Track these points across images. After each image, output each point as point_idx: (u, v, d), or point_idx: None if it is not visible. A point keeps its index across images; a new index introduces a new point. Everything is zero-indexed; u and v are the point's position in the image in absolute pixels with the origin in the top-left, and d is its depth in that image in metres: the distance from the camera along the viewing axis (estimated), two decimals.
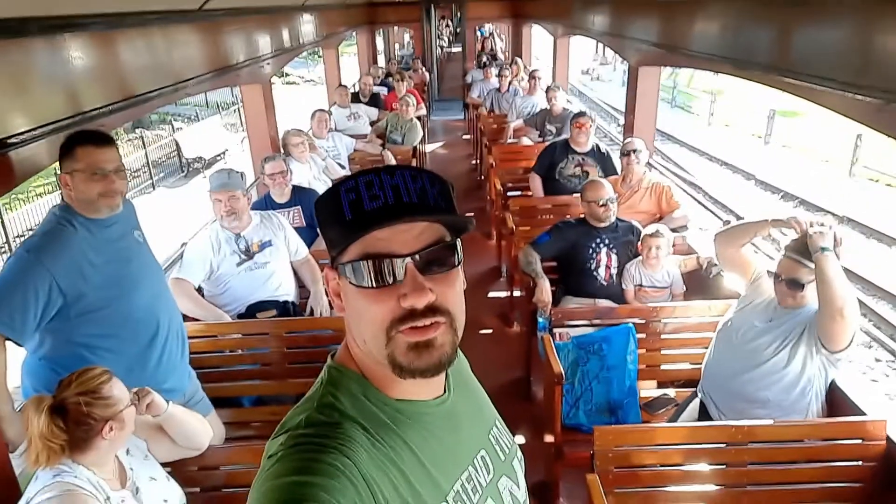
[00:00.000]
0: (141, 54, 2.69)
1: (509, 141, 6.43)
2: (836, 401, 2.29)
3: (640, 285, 3.20)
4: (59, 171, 1.95)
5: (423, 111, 8.00)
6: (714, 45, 2.96)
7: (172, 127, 17.50)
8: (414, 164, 5.70)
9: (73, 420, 1.55)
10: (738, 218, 10.03)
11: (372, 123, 6.91)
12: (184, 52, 3.16)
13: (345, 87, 7.35)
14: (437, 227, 0.77)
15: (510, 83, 7.87)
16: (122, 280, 2.04)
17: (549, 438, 2.59)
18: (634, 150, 3.81)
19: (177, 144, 15.25)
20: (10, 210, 10.46)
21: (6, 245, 9.93)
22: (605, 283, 3.26)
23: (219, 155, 15.63)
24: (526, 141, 6.23)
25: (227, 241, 3.02)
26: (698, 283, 3.25)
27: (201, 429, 1.98)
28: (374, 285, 0.75)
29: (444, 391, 0.88)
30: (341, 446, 0.73)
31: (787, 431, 2.09)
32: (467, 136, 9.56)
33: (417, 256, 0.75)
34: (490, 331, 4.25)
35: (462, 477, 0.85)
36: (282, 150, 4.64)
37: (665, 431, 2.16)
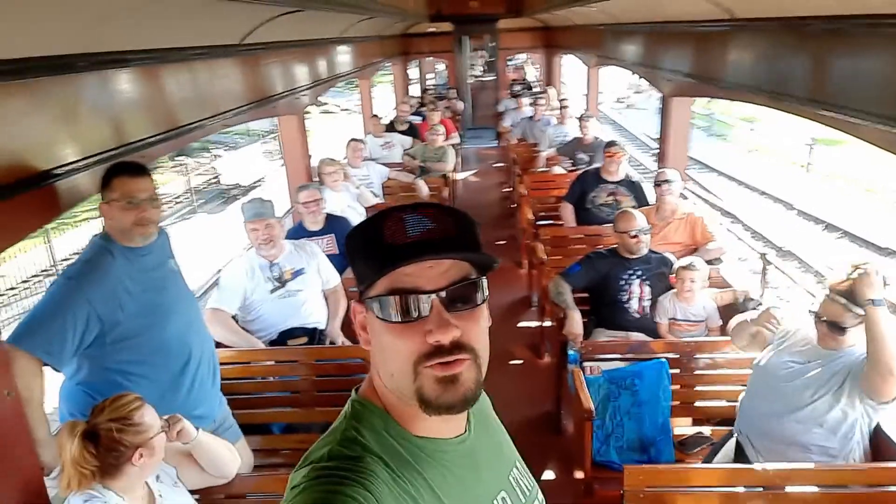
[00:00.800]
0: (183, 87, 2.79)
1: (541, 169, 6.43)
2: (880, 445, 2.19)
3: (675, 319, 3.13)
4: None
5: (456, 139, 8.08)
6: (748, 76, 2.93)
7: (213, 155, 18.05)
8: (446, 192, 5.74)
9: (105, 446, 1.58)
10: (778, 250, 9.79)
11: (406, 152, 7.01)
12: (224, 84, 3.27)
13: (377, 117, 7.49)
14: (463, 265, 0.79)
15: (543, 112, 7.91)
16: (156, 308, 2.09)
17: (578, 475, 2.54)
18: (667, 181, 3.77)
19: (216, 172, 15.71)
20: (57, 234, 10.86)
21: (53, 268, 10.30)
22: (637, 316, 3.20)
23: (256, 182, 16.03)
24: (558, 170, 6.22)
25: (262, 268, 3.08)
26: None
27: (229, 457, 2.00)
28: (401, 320, 0.76)
29: (465, 430, 0.88)
30: (363, 480, 0.74)
31: (829, 476, 2.00)
32: (500, 164, 9.60)
33: (444, 293, 0.76)
34: (520, 362, 4.20)
35: None
36: (316, 179, 4.74)
37: (699, 472, 2.08)
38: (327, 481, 0.74)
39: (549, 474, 2.98)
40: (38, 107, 1.84)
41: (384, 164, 6.06)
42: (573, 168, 5.98)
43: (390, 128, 7.77)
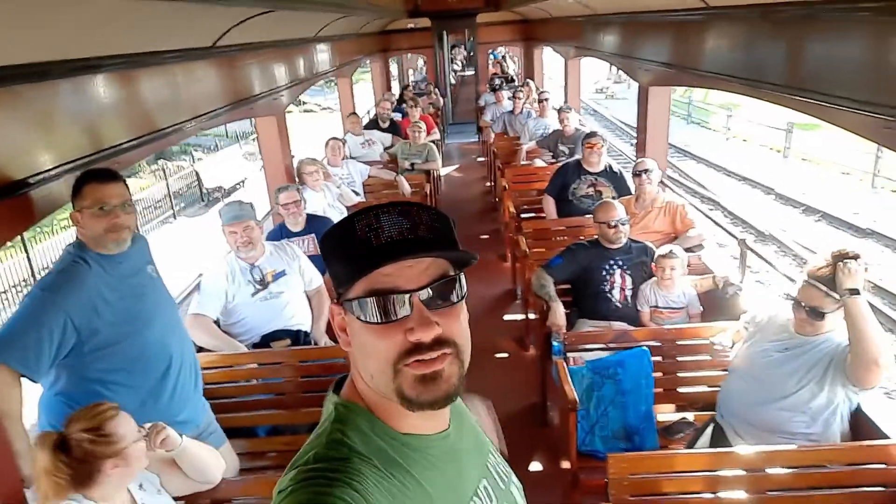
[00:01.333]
0: (158, 91, 2.77)
1: (522, 163, 6.45)
2: (859, 425, 2.23)
3: (656, 306, 3.17)
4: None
5: (437, 136, 8.07)
6: (725, 65, 2.95)
7: (193, 158, 17.86)
8: (428, 188, 5.73)
9: (77, 456, 1.57)
10: (758, 234, 9.91)
11: (386, 150, 7.00)
12: (199, 87, 3.24)
13: (356, 115, 7.46)
14: (441, 262, 0.79)
15: (523, 105, 7.92)
16: (135, 316, 2.07)
17: (565, 465, 2.56)
18: (646, 171, 3.80)
19: (197, 175, 15.55)
20: (36, 243, 10.70)
21: (32, 277, 10.14)
22: (619, 306, 3.23)
23: (238, 184, 15.91)
24: (539, 163, 6.25)
25: (242, 271, 3.05)
26: (715, 303, 3.20)
27: (214, 463, 1.99)
28: (381, 321, 0.76)
29: (448, 424, 0.89)
30: (351, 480, 0.74)
31: (809, 456, 2.03)
32: (482, 159, 9.61)
33: (423, 291, 0.77)
34: (505, 355, 4.22)
35: None
36: (297, 179, 4.71)
37: (682, 458, 2.11)
38: (315, 483, 0.74)
39: (536, 466, 3.00)
40: (12, 115, 1.82)
41: (365, 163, 6.04)
42: (554, 161, 6.01)
43: (372, 125, 7.75)
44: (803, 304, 2.20)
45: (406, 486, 0.79)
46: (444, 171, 8.94)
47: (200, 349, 2.88)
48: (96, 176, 1.98)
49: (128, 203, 2.03)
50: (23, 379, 1.87)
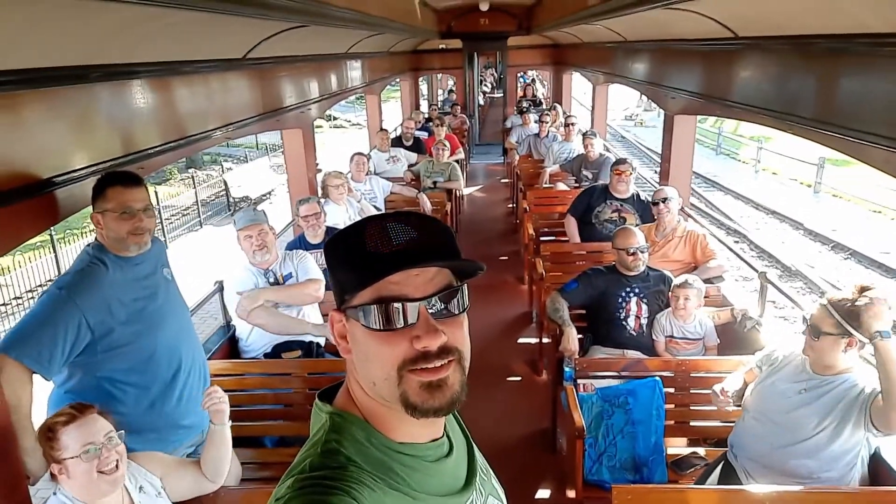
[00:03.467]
0: (189, 99, 2.83)
1: (545, 186, 6.44)
2: (878, 469, 2.15)
3: (672, 336, 3.11)
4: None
5: (461, 155, 8.12)
6: (754, 96, 2.92)
7: (223, 167, 18.18)
8: (449, 206, 5.74)
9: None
10: (784, 269, 9.71)
11: (410, 167, 7.05)
12: (230, 97, 3.31)
13: (385, 131, 7.54)
14: (445, 273, 0.81)
15: (549, 129, 7.93)
16: (147, 316, 2.10)
17: (570, 494, 2.51)
18: (665, 199, 3.76)
19: (225, 184, 15.81)
20: (66, 244, 10.95)
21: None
22: (634, 334, 3.18)
23: (265, 195, 16.12)
24: (561, 186, 6.23)
25: (257, 275, 3.08)
26: (733, 337, 3.14)
27: (228, 460, 2.02)
28: (388, 328, 0.77)
29: (443, 433, 0.90)
30: (348, 488, 0.75)
31: (822, 499, 1.96)
32: (506, 181, 9.63)
33: (431, 300, 0.78)
34: (518, 378, 4.17)
35: None
36: (319, 192, 4.76)
37: (689, 493, 2.04)
38: (312, 491, 0.74)
39: (542, 493, 2.94)
40: (44, 116, 1.87)
41: (388, 179, 6.09)
42: (577, 185, 5.99)
43: (397, 142, 7.83)
44: (809, 322, 2.14)
45: (401, 495, 0.79)
46: (467, 191, 8.97)
47: (212, 356, 2.91)
48: (120, 179, 2.02)
49: (149, 207, 2.07)
50: (35, 376, 1.90)
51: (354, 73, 6.35)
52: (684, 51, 3.91)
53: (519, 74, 13.65)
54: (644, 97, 27.14)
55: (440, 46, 10.98)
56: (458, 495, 0.88)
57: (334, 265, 0.83)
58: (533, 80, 18.17)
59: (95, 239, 2.09)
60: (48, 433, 1.63)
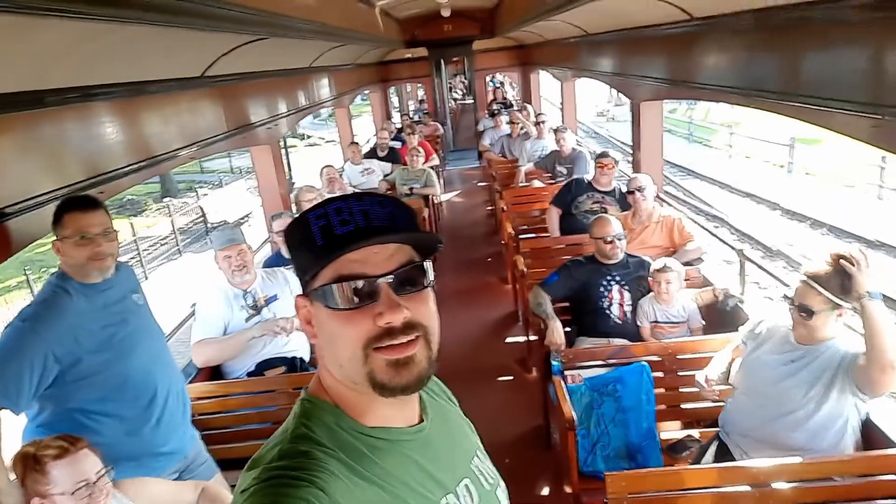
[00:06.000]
0: (152, 119, 2.79)
1: (521, 184, 6.45)
2: (870, 435, 2.14)
3: (656, 322, 3.10)
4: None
5: (436, 161, 8.11)
6: (719, 76, 2.93)
7: (198, 194, 18.03)
8: (426, 213, 5.71)
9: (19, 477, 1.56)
10: (765, 250, 9.81)
11: (385, 178, 7.02)
12: (194, 115, 3.27)
13: (356, 144, 7.51)
14: (407, 249, 0.80)
15: (522, 128, 7.96)
16: (118, 343, 2.03)
17: (567, 488, 2.47)
18: (640, 188, 3.77)
19: (202, 210, 15.67)
20: (39, 283, 10.74)
21: None
22: (619, 322, 3.16)
23: (243, 218, 16.00)
24: (537, 184, 6.24)
25: (235, 297, 3.02)
26: (717, 317, 3.13)
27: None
28: (350, 307, 0.76)
29: (421, 419, 0.88)
30: (314, 478, 0.73)
31: (817, 469, 1.95)
32: (483, 184, 9.64)
33: (391, 277, 0.77)
34: (507, 378, 4.14)
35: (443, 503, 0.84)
36: (294, 207, 4.71)
37: (683, 475, 2.01)
38: (277, 482, 0.72)
39: (539, 489, 2.91)
40: (2, 144, 1.82)
41: (363, 191, 6.05)
42: (552, 181, 5.99)
43: (371, 154, 7.80)
44: (795, 302, 2.13)
45: (376, 479, 0.78)
46: (445, 197, 8.97)
47: (195, 379, 2.84)
48: (77, 204, 1.95)
49: (109, 230, 2.00)
50: (4, 412, 1.82)
51: (322, 86, 6.33)
52: (646, 38, 3.93)
53: (487, 78, 13.70)
54: (615, 93, 27.51)
55: (406, 56, 11.00)
56: (444, 481, 0.86)
57: (294, 249, 0.82)
58: (501, 83, 18.27)
59: (59, 267, 2.02)
60: (34, 464, 1.55)
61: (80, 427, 1.94)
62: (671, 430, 2.71)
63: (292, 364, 3.03)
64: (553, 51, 7.92)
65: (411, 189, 6.37)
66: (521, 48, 11.02)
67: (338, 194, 4.40)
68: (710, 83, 3.04)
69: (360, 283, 0.76)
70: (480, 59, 11.52)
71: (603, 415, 2.58)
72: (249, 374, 2.98)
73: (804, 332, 2.14)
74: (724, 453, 2.31)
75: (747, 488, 1.92)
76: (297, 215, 0.86)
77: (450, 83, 12.29)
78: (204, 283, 3.88)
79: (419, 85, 12.82)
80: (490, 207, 8.34)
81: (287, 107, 4.97)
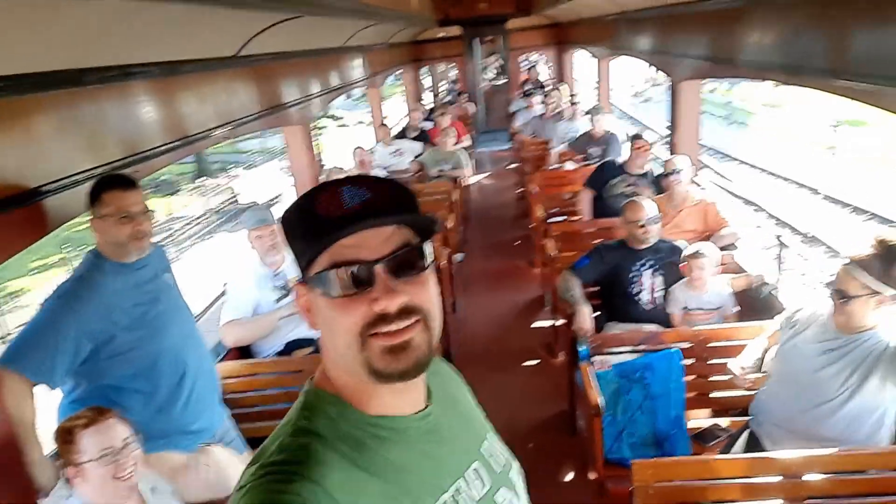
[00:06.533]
0: (187, 98, 2.82)
1: (552, 167, 6.36)
2: None
3: (687, 308, 3.04)
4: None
5: (468, 142, 8.05)
6: (764, 53, 2.83)
7: (230, 175, 18.32)
8: (455, 195, 5.68)
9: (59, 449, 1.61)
10: (804, 236, 9.52)
11: (417, 158, 7.00)
12: (229, 95, 3.28)
13: (385, 126, 7.51)
14: (404, 232, 0.78)
15: (556, 109, 7.82)
16: (150, 321, 2.07)
17: (592, 474, 2.46)
18: (677, 170, 3.68)
19: (233, 191, 15.92)
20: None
21: None
22: (648, 308, 3.10)
23: (273, 199, 16.19)
24: (569, 165, 6.15)
25: (266, 278, 3.06)
26: (750, 304, 3.06)
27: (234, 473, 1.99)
28: (345, 293, 0.75)
29: (426, 405, 0.87)
30: (311, 473, 0.72)
31: (851, 461, 1.89)
32: (515, 165, 9.56)
33: (387, 260, 0.75)
34: (533, 362, 4.12)
35: (450, 490, 0.83)
36: None
37: (712, 464, 1.97)
38: (273, 479, 0.72)
39: (564, 475, 2.90)
40: (40, 121, 1.85)
41: (392, 172, 6.06)
42: (585, 163, 5.90)
43: (403, 135, 7.79)
44: (834, 287, 2.05)
45: (378, 469, 0.77)
46: (475, 179, 8.91)
47: (225, 357, 2.90)
48: (117, 183, 1.98)
49: (146, 210, 2.04)
50: (38, 387, 1.88)
51: (355, 66, 6.31)
52: (688, 14, 3.81)
53: (521, 58, 13.47)
54: (650, 73, 26.80)
55: (439, 35, 10.89)
56: (453, 466, 0.85)
57: (290, 236, 0.81)
58: (534, 64, 17.98)
59: (96, 245, 2.06)
60: (66, 436, 1.61)
61: (112, 404, 1.97)
62: (700, 419, 2.66)
63: (319, 345, 3.06)
64: (589, 29, 7.74)
65: (441, 171, 6.34)
66: (557, 27, 10.80)
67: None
68: (753, 60, 2.94)
69: (355, 269, 0.74)
70: (515, 38, 11.34)
71: (630, 401, 2.55)
72: (278, 354, 3.03)
73: (843, 320, 2.06)
74: (754, 443, 2.26)
75: (778, 479, 1.88)
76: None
77: (482, 63, 12.10)
78: (235, 263, 3.94)
79: (451, 65, 12.68)
80: (520, 189, 8.27)
81: (320, 87, 4.97)
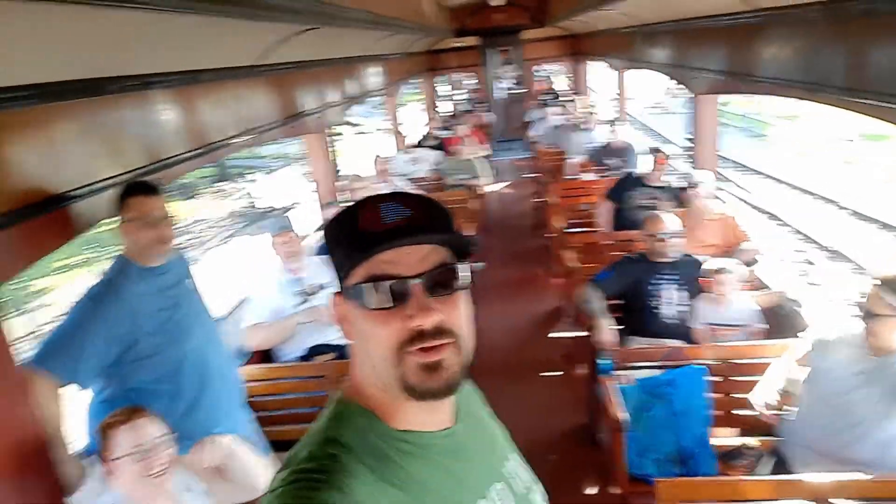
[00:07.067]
0: (209, 107, 2.85)
1: (570, 177, 6.34)
2: None
3: (713, 324, 2.98)
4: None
5: (487, 151, 8.05)
6: (783, 70, 2.80)
7: (250, 180, 18.48)
8: (471, 204, 5.66)
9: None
10: (829, 252, 9.36)
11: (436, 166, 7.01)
12: (249, 103, 3.32)
13: (401, 134, 7.55)
14: (441, 250, 0.79)
15: (572, 119, 7.80)
16: (173, 326, 2.10)
17: (614, 490, 2.42)
18: (698, 183, 3.64)
19: (251, 196, 16.06)
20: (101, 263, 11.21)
21: None
22: (669, 322, 3.06)
23: (291, 205, 16.29)
24: (587, 176, 6.11)
25: (289, 283, 3.09)
26: (774, 321, 3.00)
27: (261, 472, 2.01)
28: (381, 307, 0.77)
29: (452, 423, 0.88)
30: (339, 482, 0.74)
31: (885, 487, 1.84)
32: (530, 175, 9.53)
33: (423, 278, 0.77)
34: (553, 373, 4.09)
35: None
36: (347, 195, 4.75)
37: (739, 485, 1.93)
38: (303, 486, 0.74)
39: (585, 488, 2.87)
40: (67, 129, 1.89)
41: (410, 180, 6.07)
42: (603, 174, 5.87)
43: (422, 143, 7.82)
44: (863, 308, 2.02)
45: (403, 484, 0.78)
46: (492, 188, 8.90)
47: (249, 361, 2.91)
48: (141, 189, 2.03)
49: (169, 216, 2.08)
50: (67, 387, 1.90)
51: (372, 75, 6.34)
52: (705, 28, 3.78)
53: (535, 69, 13.47)
54: (669, 85, 26.63)
55: (455, 45, 10.95)
56: (475, 485, 0.86)
57: (331, 247, 0.83)
58: (549, 76, 17.99)
59: (121, 250, 2.10)
60: (104, 433, 1.65)
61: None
62: (726, 437, 2.61)
63: (343, 352, 3.07)
64: (605, 41, 7.73)
65: (459, 179, 6.34)
66: (572, 38, 10.80)
67: (382, 186, 4.48)
68: (771, 77, 2.90)
69: (391, 283, 0.76)
70: (529, 49, 11.37)
71: (653, 417, 2.51)
72: (301, 359, 3.04)
73: (875, 342, 2.02)
74: (782, 465, 2.21)
75: (806, 503, 1.83)
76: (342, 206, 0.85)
77: (495, 73, 12.15)
78: (255, 267, 3.97)
79: (470, 74, 12.73)
80: (537, 199, 8.23)
81: (339, 95, 5.00)
